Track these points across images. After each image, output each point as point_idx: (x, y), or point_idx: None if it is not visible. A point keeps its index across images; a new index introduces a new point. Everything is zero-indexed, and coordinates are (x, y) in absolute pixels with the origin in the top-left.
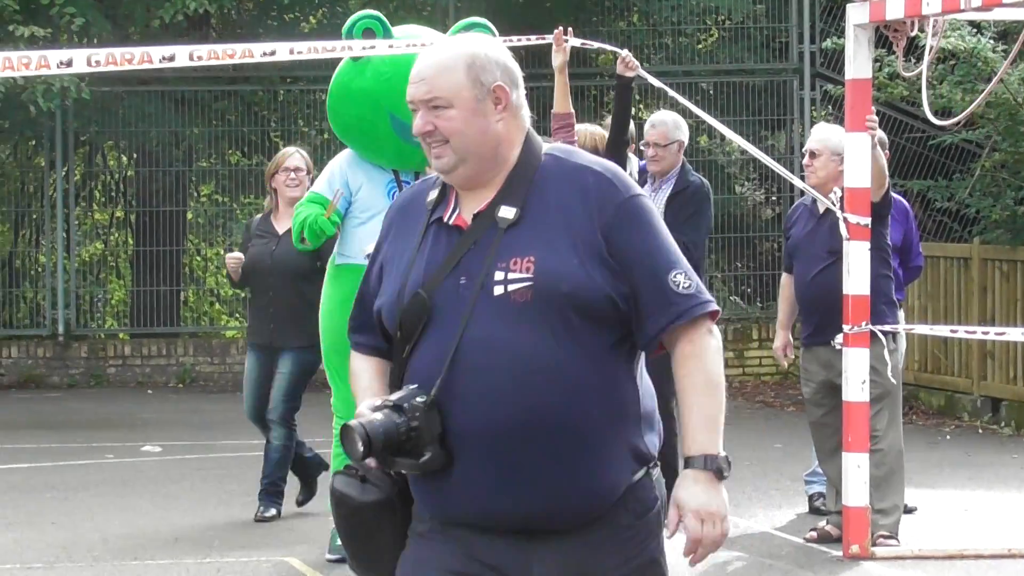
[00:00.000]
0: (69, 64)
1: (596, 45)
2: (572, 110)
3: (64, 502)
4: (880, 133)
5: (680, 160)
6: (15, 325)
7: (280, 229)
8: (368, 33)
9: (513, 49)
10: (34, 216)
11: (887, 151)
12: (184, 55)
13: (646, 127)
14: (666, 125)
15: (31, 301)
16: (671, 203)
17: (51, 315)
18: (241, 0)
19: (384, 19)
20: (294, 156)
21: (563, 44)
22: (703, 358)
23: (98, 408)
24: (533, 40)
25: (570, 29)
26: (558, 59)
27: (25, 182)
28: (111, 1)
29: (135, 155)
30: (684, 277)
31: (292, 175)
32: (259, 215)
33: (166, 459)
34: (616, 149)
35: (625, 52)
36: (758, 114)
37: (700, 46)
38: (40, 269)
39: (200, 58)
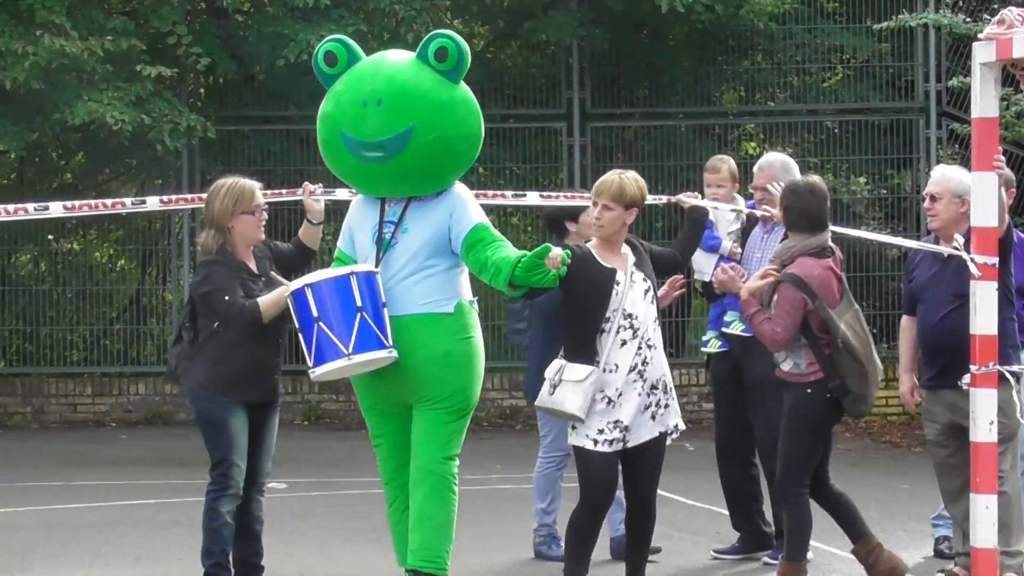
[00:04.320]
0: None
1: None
2: None
3: (190, 538)
4: (1007, 172)
5: None
6: (142, 362)
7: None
8: (329, 56)
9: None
10: (160, 254)
11: (1013, 188)
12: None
13: (754, 169)
14: (773, 168)
15: (158, 338)
16: None
17: None
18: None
19: (350, 43)
20: (259, 193)
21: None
22: None
23: None
24: None
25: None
26: None
27: (152, 221)
28: (236, 40)
29: None
30: None
31: (265, 215)
32: (211, 253)
33: (291, 495)
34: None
35: (679, 197)
36: (883, 153)
37: (825, 85)
38: (167, 307)
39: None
